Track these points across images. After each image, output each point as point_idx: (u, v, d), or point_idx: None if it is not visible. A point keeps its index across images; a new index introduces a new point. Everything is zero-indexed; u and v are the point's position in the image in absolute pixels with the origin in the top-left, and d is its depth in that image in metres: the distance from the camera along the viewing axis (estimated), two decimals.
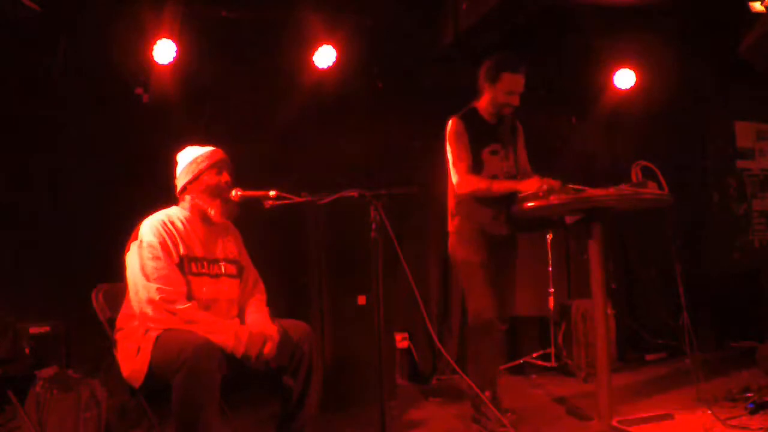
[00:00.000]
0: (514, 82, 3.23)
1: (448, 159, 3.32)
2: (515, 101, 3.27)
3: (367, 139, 4.61)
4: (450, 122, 3.33)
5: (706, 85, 5.55)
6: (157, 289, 2.34)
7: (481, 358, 3.22)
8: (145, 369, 2.33)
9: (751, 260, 5.77)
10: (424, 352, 4.62)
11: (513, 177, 3.32)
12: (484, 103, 3.36)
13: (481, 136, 3.30)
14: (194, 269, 2.50)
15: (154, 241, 2.42)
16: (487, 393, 3.20)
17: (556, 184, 3.01)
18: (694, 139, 5.73)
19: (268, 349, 2.41)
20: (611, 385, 3.00)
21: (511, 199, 3.21)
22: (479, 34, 4.27)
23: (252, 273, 2.76)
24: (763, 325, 4.79)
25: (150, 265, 2.38)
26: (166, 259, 2.41)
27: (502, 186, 3.21)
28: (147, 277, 2.36)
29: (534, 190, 3.04)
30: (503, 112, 3.31)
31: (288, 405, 2.54)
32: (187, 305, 2.36)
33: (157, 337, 2.32)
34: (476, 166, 3.27)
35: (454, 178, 3.29)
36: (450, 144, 3.30)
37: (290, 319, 2.65)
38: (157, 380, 2.31)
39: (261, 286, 2.76)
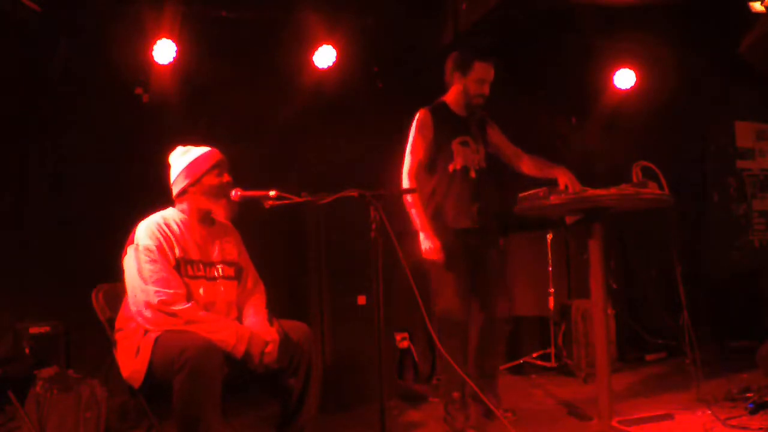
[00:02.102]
0: (485, 71, 3.25)
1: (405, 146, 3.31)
2: (486, 90, 3.28)
3: (367, 139, 4.60)
4: (418, 113, 3.31)
5: (706, 85, 5.55)
6: (155, 292, 2.34)
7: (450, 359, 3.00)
8: (144, 369, 2.32)
9: (751, 260, 5.77)
10: (424, 352, 4.62)
11: (484, 170, 3.31)
12: (452, 96, 3.36)
13: (451, 127, 3.29)
14: (190, 272, 2.49)
15: (151, 244, 2.41)
16: (456, 395, 3.18)
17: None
18: (694, 139, 5.72)
19: (270, 349, 2.41)
20: (611, 385, 3.00)
21: (479, 193, 3.24)
22: (479, 34, 4.27)
23: (252, 274, 2.75)
24: (763, 325, 4.78)
25: (147, 268, 2.37)
26: (162, 262, 2.40)
27: (417, 214, 3.21)
28: (144, 281, 2.36)
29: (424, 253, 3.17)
30: (474, 102, 3.30)
31: (288, 405, 2.54)
32: (186, 305, 2.36)
33: (157, 338, 2.32)
34: (447, 156, 3.26)
35: (404, 166, 3.28)
36: (412, 134, 3.29)
37: (290, 320, 2.64)
38: (157, 380, 2.31)
39: (261, 287, 2.75)
